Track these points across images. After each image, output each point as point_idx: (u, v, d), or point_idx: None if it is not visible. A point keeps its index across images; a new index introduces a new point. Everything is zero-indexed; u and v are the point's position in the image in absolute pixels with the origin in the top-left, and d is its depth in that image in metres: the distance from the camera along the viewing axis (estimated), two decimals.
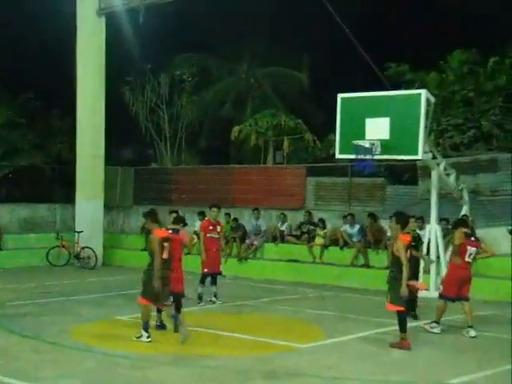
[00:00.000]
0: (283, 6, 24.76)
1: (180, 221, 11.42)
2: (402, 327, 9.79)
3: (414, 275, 11.46)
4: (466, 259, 10.80)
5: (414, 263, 11.13)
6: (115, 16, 20.92)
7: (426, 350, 9.72)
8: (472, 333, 10.41)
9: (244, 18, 25.54)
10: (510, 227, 15.30)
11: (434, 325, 10.87)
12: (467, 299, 10.73)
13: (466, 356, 8.73)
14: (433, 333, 10.70)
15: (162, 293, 9.76)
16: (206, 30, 25.99)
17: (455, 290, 10.74)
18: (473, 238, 11.06)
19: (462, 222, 11.73)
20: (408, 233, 10.22)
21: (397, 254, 9.71)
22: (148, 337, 9.77)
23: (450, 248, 11.62)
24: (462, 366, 8.59)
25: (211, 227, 13.68)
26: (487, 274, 14.56)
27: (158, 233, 9.89)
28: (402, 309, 9.77)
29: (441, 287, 11.24)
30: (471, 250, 10.82)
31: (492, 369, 8.36)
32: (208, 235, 13.60)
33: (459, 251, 10.85)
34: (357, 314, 12.69)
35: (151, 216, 10.21)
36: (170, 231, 10.92)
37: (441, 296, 11.01)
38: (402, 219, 10.09)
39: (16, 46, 22.61)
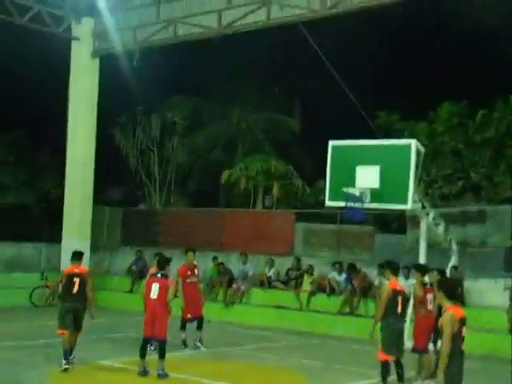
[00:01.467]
0: (276, 52, 25.08)
1: (165, 263, 11.11)
2: (383, 377, 9.85)
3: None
4: (429, 307, 10.82)
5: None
6: (109, 57, 21.10)
7: None
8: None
9: (236, 63, 25.82)
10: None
11: (427, 382, 10.68)
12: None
13: None
14: None
15: (69, 322, 10.90)
16: (199, 74, 26.22)
17: (426, 340, 10.73)
18: (428, 286, 11.01)
19: (422, 267, 11.59)
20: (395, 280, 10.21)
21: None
22: (65, 364, 10.66)
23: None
24: None
25: (189, 272, 13.42)
26: (473, 327, 14.39)
27: (68, 269, 11.38)
28: (387, 358, 9.77)
29: (412, 342, 10.98)
30: (430, 297, 10.84)
31: None
32: (187, 281, 13.33)
33: (422, 301, 10.85)
34: (343, 363, 12.51)
35: (77, 256, 11.43)
36: (159, 275, 10.77)
37: (415, 350, 10.84)
38: (393, 266, 10.24)
39: (7, 82, 22.66)
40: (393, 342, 9.77)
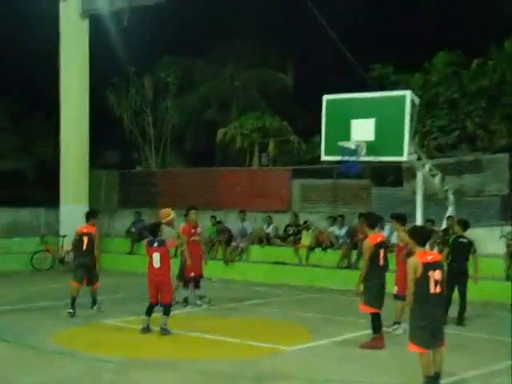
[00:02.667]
0: (267, 7, 24.74)
1: (157, 228, 10.87)
2: (375, 328, 9.90)
3: None
4: None
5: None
6: (99, 18, 20.82)
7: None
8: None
9: (228, 21, 25.49)
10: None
11: (395, 326, 10.86)
12: None
13: (451, 357, 8.72)
14: (397, 334, 10.61)
15: (79, 275, 12.27)
16: (191, 33, 25.91)
17: None
18: None
19: (401, 216, 11.32)
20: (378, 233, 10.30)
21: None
22: (70, 310, 11.95)
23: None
24: (449, 366, 8.56)
25: (193, 230, 13.53)
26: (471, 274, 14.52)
27: (79, 229, 12.61)
28: (376, 311, 9.87)
29: (395, 288, 10.98)
30: None
31: (479, 369, 8.34)
32: (191, 239, 13.47)
33: (410, 251, 10.88)
34: (343, 315, 12.65)
35: (88, 216, 12.69)
36: (156, 244, 10.66)
37: (398, 296, 10.89)
38: (370, 220, 10.22)
39: None
40: (377, 295, 9.86)
